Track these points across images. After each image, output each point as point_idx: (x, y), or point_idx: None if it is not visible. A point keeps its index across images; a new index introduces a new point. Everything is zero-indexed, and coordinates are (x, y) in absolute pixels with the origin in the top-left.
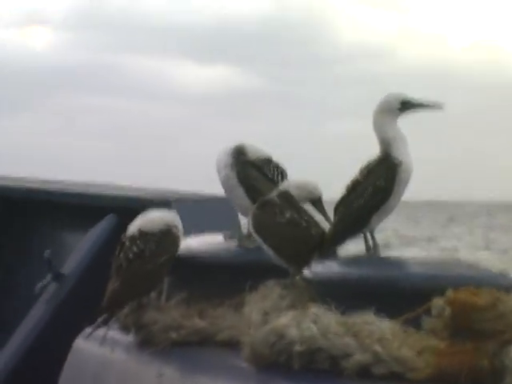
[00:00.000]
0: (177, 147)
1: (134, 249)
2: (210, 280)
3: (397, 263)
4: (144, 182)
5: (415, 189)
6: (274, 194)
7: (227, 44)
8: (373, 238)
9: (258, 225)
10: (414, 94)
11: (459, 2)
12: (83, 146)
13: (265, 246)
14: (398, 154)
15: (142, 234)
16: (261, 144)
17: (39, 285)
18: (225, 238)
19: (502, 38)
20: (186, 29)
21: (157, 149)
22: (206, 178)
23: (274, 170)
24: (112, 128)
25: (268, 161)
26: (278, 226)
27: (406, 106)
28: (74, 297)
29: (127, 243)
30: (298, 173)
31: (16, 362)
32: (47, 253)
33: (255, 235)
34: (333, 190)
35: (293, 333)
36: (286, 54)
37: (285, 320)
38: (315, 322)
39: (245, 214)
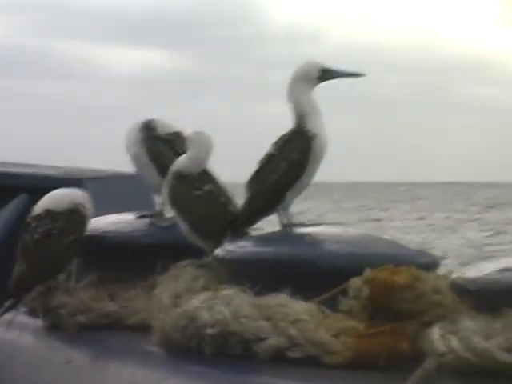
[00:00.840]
0: (102, 129)
1: (40, 229)
2: (121, 261)
3: (313, 241)
4: (64, 162)
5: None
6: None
7: (156, 28)
8: (288, 215)
9: (175, 197)
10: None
11: None
12: (8, 129)
13: (180, 221)
14: (312, 126)
15: (49, 214)
16: (186, 127)
17: None
18: (136, 216)
19: (429, 21)
20: (115, 13)
21: (82, 131)
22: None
23: (183, 145)
24: (40, 112)
25: (178, 135)
26: (195, 198)
27: (326, 74)
28: None
29: (33, 223)
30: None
31: None
32: None
33: (171, 208)
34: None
35: (204, 316)
36: (215, 37)
37: (196, 302)
38: (227, 305)
39: (157, 191)
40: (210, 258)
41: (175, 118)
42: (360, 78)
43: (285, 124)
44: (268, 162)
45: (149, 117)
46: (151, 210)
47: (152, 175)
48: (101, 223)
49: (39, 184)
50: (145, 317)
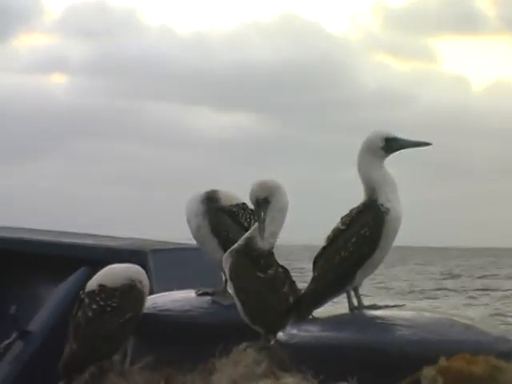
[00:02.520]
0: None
1: (94, 306)
2: (179, 341)
3: (383, 325)
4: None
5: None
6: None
7: (244, 91)
8: (357, 295)
9: (236, 273)
10: (433, 139)
11: (476, 45)
12: (93, 194)
13: (236, 299)
14: (384, 200)
15: (103, 290)
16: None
17: (3, 343)
18: (197, 293)
19: None
20: (201, 76)
21: (171, 196)
22: None
23: (249, 218)
24: (127, 174)
25: (243, 207)
26: (257, 281)
27: (391, 144)
28: (41, 357)
29: (86, 300)
30: (310, 222)
31: None
32: (13, 309)
33: (229, 283)
34: None
35: None
36: (303, 101)
37: None
38: None
39: (219, 266)
40: (271, 342)
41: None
42: (428, 147)
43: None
44: (336, 238)
45: (212, 187)
46: (217, 285)
47: (214, 249)
48: (159, 301)
49: (101, 256)
50: None
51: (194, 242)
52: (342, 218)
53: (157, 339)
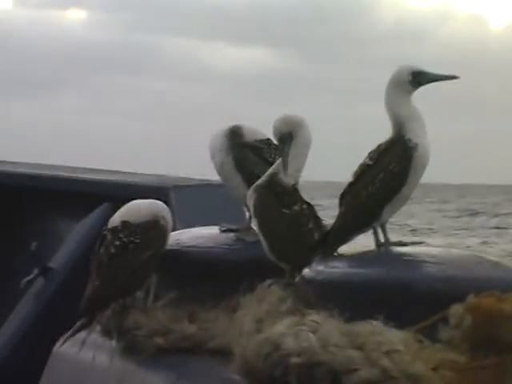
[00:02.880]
0: (204, 128)
1: (116, 242)
2: (203, 278)
3: (411, 262)
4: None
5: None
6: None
7: (261, 25)
8: (384, 231)
9: (260, 208)
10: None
11: None
12: (112, 124)
13: (260, 235)
14: (412, 135)
15: (126, 226)
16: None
17: (25, 279)
18: (220, 230)
19: None
20: (220, 10)
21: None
22: None
23: (274, 153)
24: (144, 108)
25: (267, 142)
26: (282, 216)
27: (418, 77)
28: (63, 293)
29: (109, 236)
30: (327, 157)
31: (0, 362)
32: (34, 245)
33: (254, 219)
34: None
35: (290, 343)
36: (321, 34)
37: (280, 328)
38: (315, 332)
39: (243, 203)
40: (296, 279)
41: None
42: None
43: (384, 127)
44: (364, 174)
45: (239, 121)
46: (240, 222)
47: (238, 186)
48: (182, 237)
49: (122, 192)
50: (226, 341)
51: (214, 178)
52: (369, 154)
53: (180, 276)
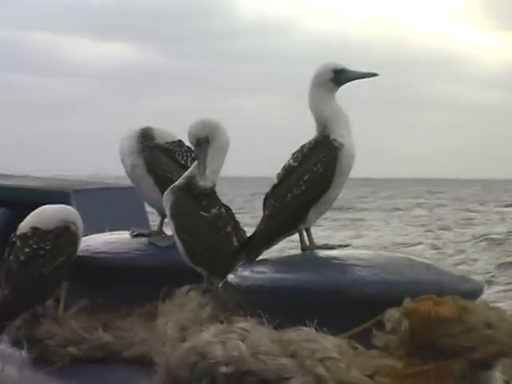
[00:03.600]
0: (70, 123)
1: (26, 249)
2: (115, 285)
3: (341, 266)
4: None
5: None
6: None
7: (125, 21)
8: (309, 235)
9: (177, 210)
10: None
11: None
12: None
13: (176, 238)
14: (337, 135)
15: (36, 232)
16: (159, 122)
17: None
18: (131, 234)
19: (396, 12)
20: (85, 6)
21: (52, 124)
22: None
23: (186, 155)
24: (11, 103)
25: (179, 144)
26: (200, 220)
27: (340, 75)
28: None
29: (18, 243)
30: None
31: None
32: None
33: (170, 221)
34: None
35: (217, 352)
36: (183, 30)
37: (207, 336)
38: (244, 339)
39: (155, 207)
40: (218, 284)
41: (152, 112)
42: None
43: (259, 117)
44: (288, 176)
45: (144, 124)
46: (143, 225)
47: (150, 188)
48: (92, 242)
49: (21, 198)
50: (143, 349)
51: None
52: (292, 155)
53: (91, 283)
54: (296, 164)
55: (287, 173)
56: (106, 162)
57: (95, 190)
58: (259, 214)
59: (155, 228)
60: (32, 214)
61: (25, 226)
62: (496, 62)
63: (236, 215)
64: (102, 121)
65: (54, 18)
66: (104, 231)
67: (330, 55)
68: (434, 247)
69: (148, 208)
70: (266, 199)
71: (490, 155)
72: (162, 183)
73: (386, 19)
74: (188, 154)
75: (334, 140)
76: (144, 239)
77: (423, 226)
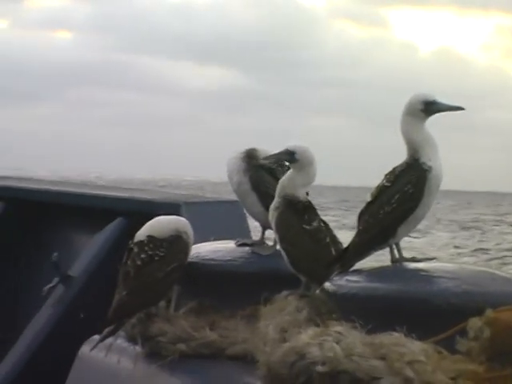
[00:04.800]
0: (175, 137)
1: (143, 255)
2: (221, 289)
3: (428, 277)
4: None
5: None
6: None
7: (222, 49)
8: (398, 249)
9: (282, 224)
10: (383, 99)
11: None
12: (97, 134)
13: (280, 248)
14: (426, 159)
15: (151, 240)
16: (251, 137)
17: (47, 287)
18: (236, 244)
19: (459, 45)
20: (188, 34)
21: (159, 137)
22: (204, 163)
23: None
24: (123, 118)
25: (280, 164)
26: (303, 232)
27: (430, 107)
28: (82, 300)
29: (135, 249)
30: None
31: (23, 365)
32: (55, 256)
33: (275, 233)
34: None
35: (314, 353)
36: (273, 58)
37: (305, 338)
38: (338, 342)
39: (258, 219)
40: (315, 290)
41: (244, 129)
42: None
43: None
44: (381, 195)
45: (250, 146)
46: (246, 236)
47: (254, 203)
48: (202, 250)
49: (136, 208)
50: (245, 348)
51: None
52: (385, 176)
53: (199, 287)
54: (389, 184)
55: (380, 192)
56: (208, 169)
57: (203, 202)
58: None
59: (257, 239)
60: (148, 223)
61: (141, 234)
62: None
63: None
64: (200, 134)
65: (160, 44)
66: (210, 240)
67: (401, 84)
68: None
69: (250, 221)
70: (360, 215)
71: None
72: (265, 199)
73: (450, 51)
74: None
75: (424, 163)
76: (247, 248)
77: None
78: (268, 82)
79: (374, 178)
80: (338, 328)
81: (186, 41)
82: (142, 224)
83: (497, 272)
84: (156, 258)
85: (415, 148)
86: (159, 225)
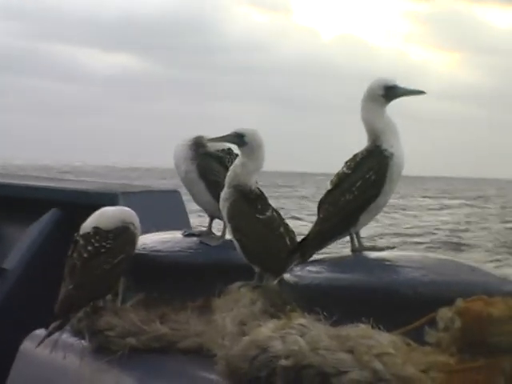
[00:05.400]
0: (84, 122)
1: (89, 247)
2: (169, 281)
3: (392, 266)
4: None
5: None
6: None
7: (129, 35)
8: (358, 237)
9: (235, 213)
10: (291, 84)
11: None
12: (11, 120)
13: (233, 238)
14: (387, 145)
15: (98, 232)
16: (161, 123)
17: None
18: (183, 234)
19: (362, 32)
20: (96, 21)
21: (70, 122)
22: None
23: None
24: (35, 104)
25: (228, 152)
26: (256, 222)
27: (390, 91)
28: (17, 293)
29: (81, 241)
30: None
31: None
32: None
33: (228, 223)
34: None
35: (277, 346)
36: (180, 44)
37: (266, 331)
38: (303, 335)
39: (206, 209)
40: (274, 281)
41: (153, 114)
42: None
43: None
44: (341, 182)
45: (197, 134)
46: (185, 226)
47: (201, 192)
48: (148, 241)
49: (71, 199)
50: (197, 341)
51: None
52: (346, 163)
53: (147, 279)
54: (349, 171)
55: (341, 179)
56: (119, 154)
57: (141, 192)
58: None
59: (199, 228)
60: (94, 214)
61: (87, 225)
62: (443, 77)
63: None
64: (109, 120)
65: (65, 30)
66: (149, 231)
67: (304, 69)
68: None
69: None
70: (320, 203)
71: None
72: (213, 187)
73: (353, 38)
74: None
75: (385, 150)
76: (195, 239)
77: None
78: (176, 67)
79: (283, 163)
80: (301, 320)
81: (92, 27)
82: (79, 215)
83: (461, 261)
84: (103, 250)
85: (376, 134)
86: (105, 216)
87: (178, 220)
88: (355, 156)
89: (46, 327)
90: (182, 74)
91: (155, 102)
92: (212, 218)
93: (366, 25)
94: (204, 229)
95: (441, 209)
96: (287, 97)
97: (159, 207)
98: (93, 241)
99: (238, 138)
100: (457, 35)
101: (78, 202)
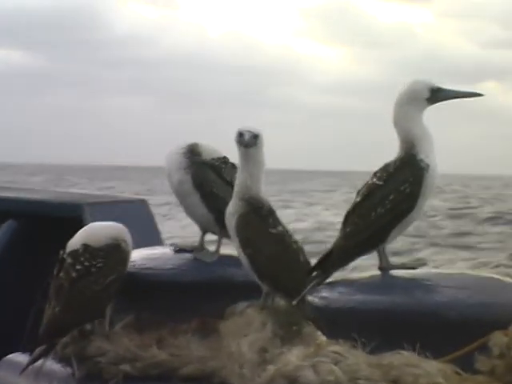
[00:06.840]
0: None
1: (78, 266)
2: (161, 301)
3: (432, 286)
4: None
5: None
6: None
7: (11, 29)
8: (385, 254)
9: (245, 227)
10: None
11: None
12: None
13: (241, 253)
14: (424, 155)
15: (87, 249)
16: (49, 118)
17: None
18: (174, 250)
19: (249, 28)
20: None
21: None
22: None
23: (231, 172)
24: None
25: (225, 161)
26: (268, 236)
27: (437, 94)
28: None
29: (69, 260)
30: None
31: None
32: None
33: (236, 237)
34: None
35: (309, 376)
36: (65, 39)
37: (294, 359)
38: (337, 363)
39: (199, 222)
40: (294, 302)
41: (40, 107)
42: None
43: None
44: (372, 194)
45: (190, 141)
46: (155, 238)
47: (195, 204)
48: (136, 258)
49: (29, 210)
50: (201, 367)
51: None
52: (375, 173)
53: (136, 299)
54: (381, 183)
55: (371, 191)
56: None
57: (108, 202)
58: None
59: (169, 242)
60: (82, 230)
61: (75, 242)
62: (330, 71)
63: None
64: None
65: None
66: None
67: (192, 62)
68: None
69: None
70: (346, 217)
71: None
72: (209, 199)
73: (239, 34)
74: (234, 171)
75: (421, 160)
76: (188, 255)
77: None
78: (62, 62)
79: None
80: (335, 347)
81: None
82: (39, 226)
83: (502, 278)
84: (93, 270)
85: (412, 142)
86: (95, 232)
87: (147, 231)
88: (387, 166)
89: (24, 351)
90: (67, 69)
91: (36, 96)
92: (204, 232)
93: (256, 22)
94: (196, 244)
95: None
96: (171, 90)
97: (127, 218)
98: (82, 259)
99: (255, 139)
100: (347, 30)
101: (38, 213)
